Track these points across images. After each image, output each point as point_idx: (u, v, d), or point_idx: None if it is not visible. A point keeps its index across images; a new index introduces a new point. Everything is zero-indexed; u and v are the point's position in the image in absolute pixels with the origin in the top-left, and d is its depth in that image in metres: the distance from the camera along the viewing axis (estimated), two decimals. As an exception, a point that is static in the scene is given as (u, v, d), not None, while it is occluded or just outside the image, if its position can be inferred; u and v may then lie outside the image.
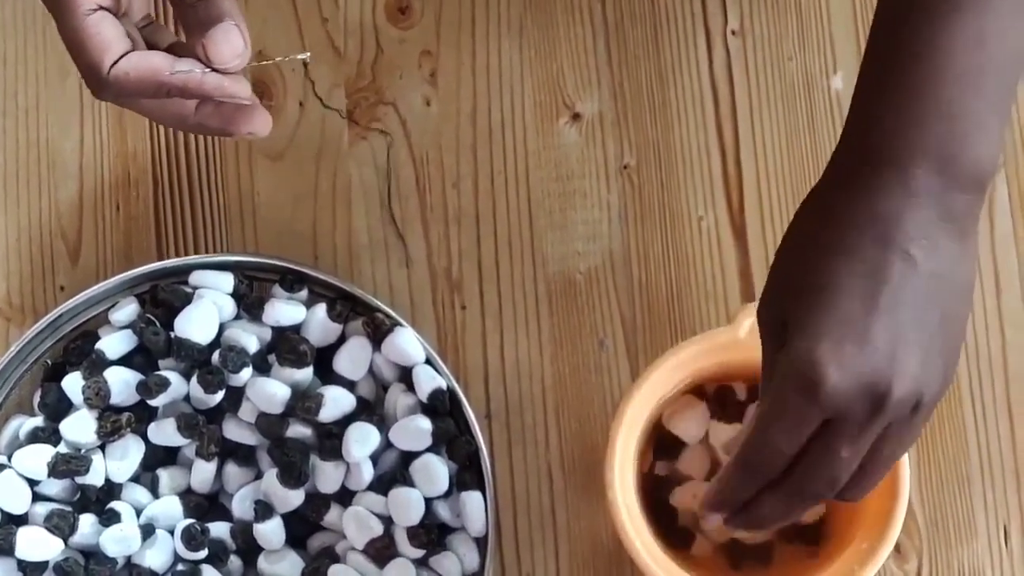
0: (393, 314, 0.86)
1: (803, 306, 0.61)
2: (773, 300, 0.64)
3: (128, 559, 0.84)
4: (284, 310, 0.86)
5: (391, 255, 0.93)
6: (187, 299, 0.85)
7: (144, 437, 0.85)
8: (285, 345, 0.85)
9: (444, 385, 0.84)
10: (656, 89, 0.94)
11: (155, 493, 0.86)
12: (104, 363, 0.85)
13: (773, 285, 0.65)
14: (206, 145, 0.94)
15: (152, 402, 0.84)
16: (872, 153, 0.62)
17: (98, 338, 0.86)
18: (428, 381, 0.84)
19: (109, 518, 0.83)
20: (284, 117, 0.94)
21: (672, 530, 0.87)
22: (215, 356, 0.84)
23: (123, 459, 0.85)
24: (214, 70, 0.60)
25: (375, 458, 0.85)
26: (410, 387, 0.86)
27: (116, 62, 0.59)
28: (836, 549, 0.82)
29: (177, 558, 0.85)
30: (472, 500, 0.84)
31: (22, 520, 0.84)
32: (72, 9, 0.59)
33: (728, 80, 0.95)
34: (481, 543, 0.84)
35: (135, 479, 0.86)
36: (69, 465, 0.82)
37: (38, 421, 0.86)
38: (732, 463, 0.64)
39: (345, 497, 0.85)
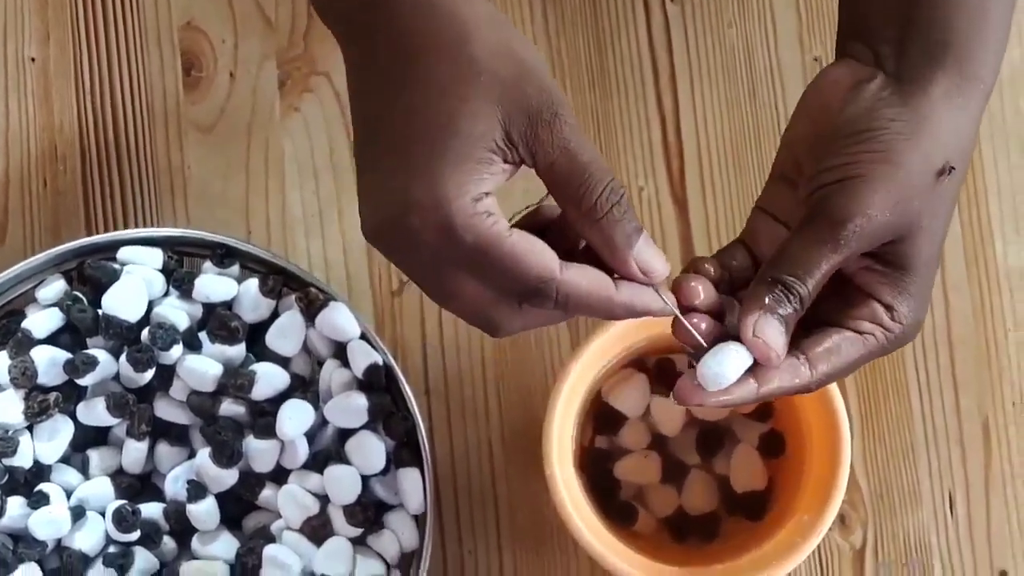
0: (327, 288, 0.84)
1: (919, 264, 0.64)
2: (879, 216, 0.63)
3: (58, 542, 0.83)
4: (215, 286, 0.84)
5: (326, 229, 0.91)
6: (115, 276, 0.84)
7: (73, 417, 0.84)
8: (216, 321, 0.83)
9: (380, 360, 0.83)
10: (594, 57, 0.93)
11: (85, 474, 0.84)
12: (30, 342, 0.83)
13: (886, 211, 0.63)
14: (135, 117, 0.92)
15: (80, 381, 0.82)
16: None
17: (24, 316, 0.85)
18: (363, 357, 0.83)
19: (38, 500, 0.81)
20: (214, 89, 0.93)
21: (615, 505, 0.86)
22: (144, 334, 0.82)
23: (51, 440, 0.83)
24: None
25: (310, 436, 0.84)
26: (345, 363, 0.84)
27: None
28: (779, 522, 0.82)
29: (109, 540, 0.83)
30: (410, 477, 0.83)
31: (-52, 504, 0.82)
32: (495, 241, 0.59)
33: (667, 48, 0.93)
34: (420, 520, 0.83)
35: (64, 460, 0.84)
36: (-4, 447, 0.81)
37: (-37, 403, 0.84)
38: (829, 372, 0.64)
39: (280, 476, 0.84)
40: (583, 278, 0.60)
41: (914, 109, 0.63)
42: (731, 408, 0.61)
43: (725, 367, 0.61)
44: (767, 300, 0.61)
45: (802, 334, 0.64)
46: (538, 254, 0.59)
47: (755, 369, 0.62)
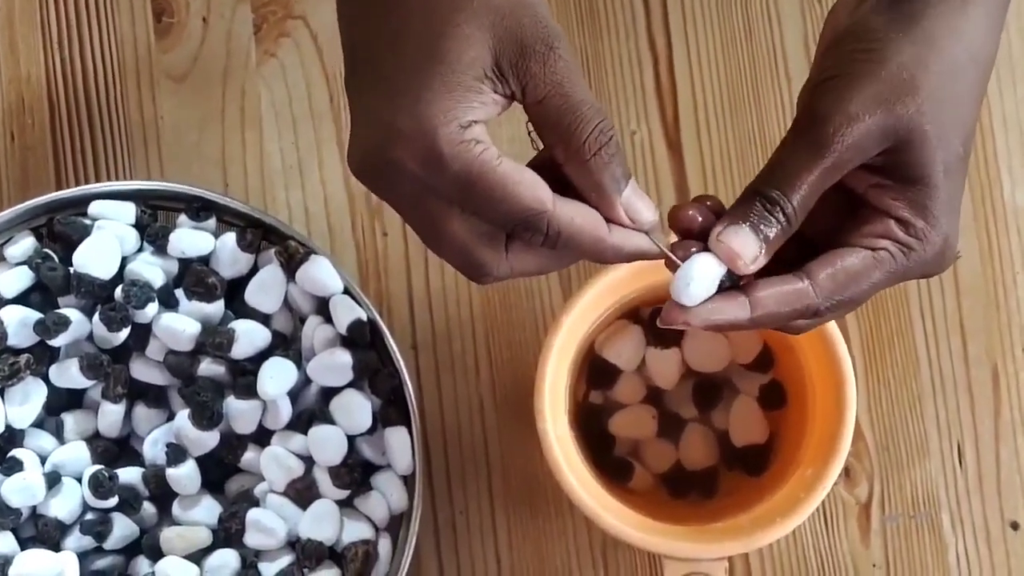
0: (308, 241, 0.82)
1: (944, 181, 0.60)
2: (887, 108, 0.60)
3: (33, 509, 0.80)
4: (190, 240, 0.82)
5: (306, 180, 0.88)
6: (86, 231, 0.81)
7: (45, 380, 0.81)
8: (192, 278, 0.81)
9: (364, 316, 0.81)
10: (583, -5, 0.90)
11: (60, 439, 0.82)
12: (-1, 302, 0.80)
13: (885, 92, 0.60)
14: (104, 67, 0.89)
15: (52, 342, 0.79)
16: None
17: (-8, 276, 0.82)
18: (347, 312, 0.81)
19: (11, 467, 0.79)
20: (187, 35, 0.90)
21: (610, 462, 0.84)
22: (118, 291, 0.79)
23: (24, 404, 0.81)
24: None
25: (293, 395, 0.82)
26: (328, 319, 0.82)
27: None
28: (781, 477, 0.79)
29: (86, 507, 0.81)
30: (397, 436, 0.80)
31: (-82, 472, 0.80)
32: (485, 168, 0.57)
33: (659, -17, 0.90)
34: (408, 481, 0.81)
35: (38, 424, 0.82)
36: (-35, 412, 0.78)
37: (-70, 367, 0.81)
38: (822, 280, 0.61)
39: (263, 437, 0.82)
40: (576, 214, 0.58)
41: (904, 12, 0.61)
42: (724, 330, 0.59)
43: (690, 272, 0.58)
44: (750, 216, 0.59)
45: (811, 256, 0.61)
46: (530, 185, 0.57)
47: (747, 286, 0.59)
